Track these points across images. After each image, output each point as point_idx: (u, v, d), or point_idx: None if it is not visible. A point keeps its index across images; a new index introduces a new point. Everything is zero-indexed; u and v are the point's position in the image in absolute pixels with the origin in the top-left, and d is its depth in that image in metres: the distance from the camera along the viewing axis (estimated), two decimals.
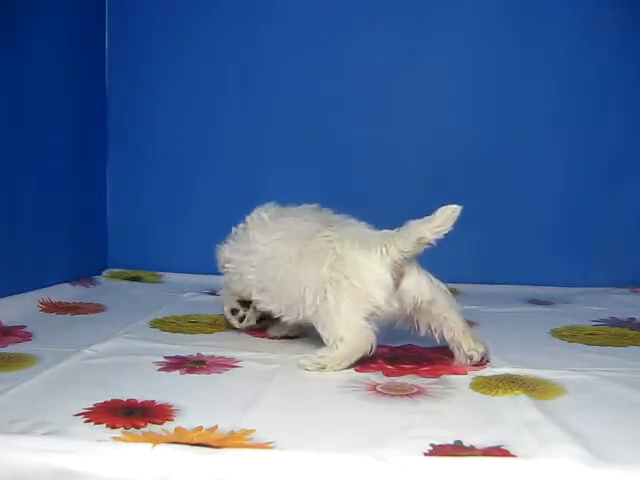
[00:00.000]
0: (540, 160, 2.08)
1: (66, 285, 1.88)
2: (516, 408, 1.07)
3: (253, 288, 1.43)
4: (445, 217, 1.25)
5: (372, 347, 1.27)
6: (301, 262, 1.33)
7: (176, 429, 0.97)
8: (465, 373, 1.25)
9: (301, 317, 1.34)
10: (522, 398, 1.11)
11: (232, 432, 0.96)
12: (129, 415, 1.03)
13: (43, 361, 1.28)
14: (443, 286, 1.33)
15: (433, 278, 1.32)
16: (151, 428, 0.98)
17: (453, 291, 1.96)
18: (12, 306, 1.61)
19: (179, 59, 2.15)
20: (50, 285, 1.81)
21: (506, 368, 1.26)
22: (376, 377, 1.23)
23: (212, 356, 1.34)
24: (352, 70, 2.10)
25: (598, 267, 2.07)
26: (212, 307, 1.68)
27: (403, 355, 1.36)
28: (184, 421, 1.00)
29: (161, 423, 1.00)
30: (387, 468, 0.85)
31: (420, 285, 1.29)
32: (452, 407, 1.09)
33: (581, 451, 0.89)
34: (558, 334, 1.54)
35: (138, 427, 0.98)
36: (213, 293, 1.62)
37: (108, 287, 2.00)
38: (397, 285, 1.27)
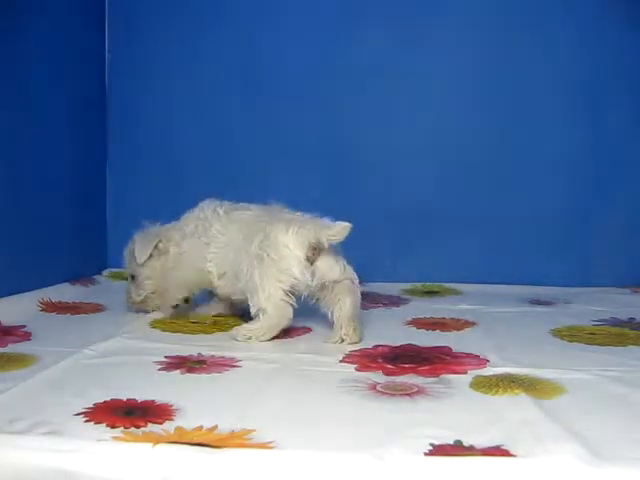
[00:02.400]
0: (540, 161, 2.08)
1: (66, 285, 1.88)
2: (516, 407, 1.07)
3: (212, 275, 1.59)
4: (339, 230, 1.43)
5: (289, 321, 1.45)
6: (242, 243, 1.52)
7: (176, 429, 0.97)
8: (465, 372, 1.24)
9: (242, 294, 1.51)
10: (522, 397, 1.11)
11: (232, 432, 0.96)
12: (129, 415, 1.03)
13: (43, 361, 1.28)
14: (352, 275, 1.49)
15: (347, 266, 1.48)
16: (151, 428, 0.98)
17: (454, 291, 1.99)
18: (12, 306, 1.61)
19: (180, 59, 2.16)
20: (50, 285, 1.81)
21: (506, 367, 1.26)
22: (376, 376, 1.22)
23: (212, 356, 1.34)
24: (355, 70, 2.11)
25: (598, 267, 2.08)
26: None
27: (403, 354, 1.36)
28: (184, 421, 1.00)
29: (161, 423, 1.00)
30: (387, 467, 0.85)
31: (332, 266, 1.46)
32: (452, 407, 1.09)
33: (581, 450, 0.88)
34: (558, 334, 1.54)
35: (138, 427, 0.98)
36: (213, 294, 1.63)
37: (108, 287, 2.01)
38: (312, 262, 1.44)
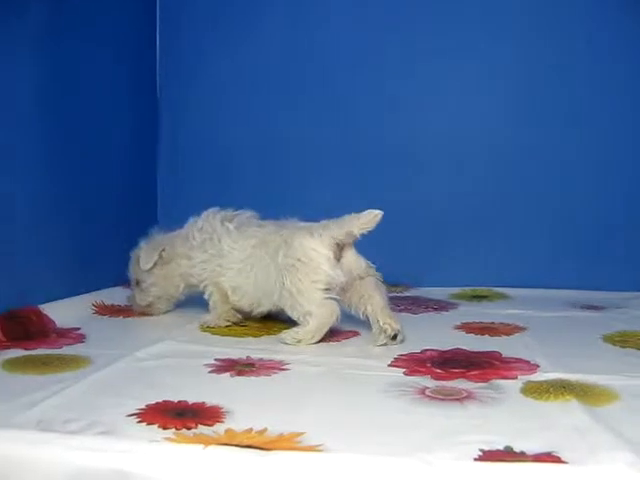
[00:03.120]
0: (591, 162, 2.05)
1: (119, 288, 1.90)
2: (567, 414, 1.06)
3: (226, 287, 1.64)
4: (370, 218, 1.47)
5: (338, 317, 1.47)
6: (267, 260, 1.55)
7: (226, 431, 0.98)
8: (515, 378, 1.23)
9: (273, 306, 1.57)
10: (573, 404, 1.10)
11: (281, 434, 0.96)
12: (180, 416, 1.04)
13: (96, 362, 1.31)
14: (376, 272, 1.53)
15: (370, 264, 1.53)
16: (202, 429, 0.99)
17: (503, 295, 1.97)
18: (67, 308, 1.64)
19: (227, 62, 2.17)
20: (103, 288, 1.84)
21: (557, 373, 1.25)
22: (425, 381, 1.22)
23: (261, 359, 1.35)
24: (392, 74, 2.11)
25: None
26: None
27: (452, 359, 1.35)
28: (234, 423, 1.01)
29: (211, 425, 1.01)
30: (436, 472, 0.85)
31: (357, 260, 1.51)
32: (502, 412, 1.08)
33: (633, 458, 0.87)
34: (610, 339, 1.51)
35: (189, 428, 0.99)
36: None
37: None
38: (338, 260, 1.49)
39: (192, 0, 2.20)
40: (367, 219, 1.47)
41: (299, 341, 1.46)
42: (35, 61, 1.63)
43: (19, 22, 1.56)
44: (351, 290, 1.51)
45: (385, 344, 1.46)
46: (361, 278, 1.51)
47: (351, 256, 1.51)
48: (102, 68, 1.88)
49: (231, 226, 1.65)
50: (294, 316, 1.49)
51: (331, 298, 1.47)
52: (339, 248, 1.49)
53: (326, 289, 1.46)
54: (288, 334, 1.47)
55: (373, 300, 1.49)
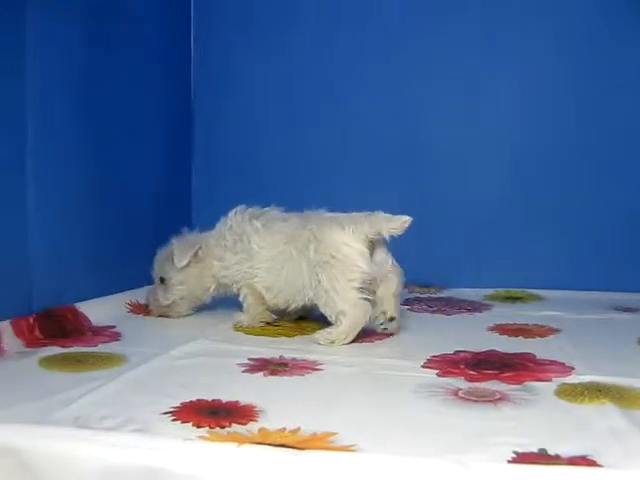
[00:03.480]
0: (627, 162, 2.02)
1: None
2: (603, 417, 1.05)
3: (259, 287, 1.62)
4: (399, 224, 1.48)
5: (370, 318, 1.48)
6: (297, 255, 1.54)
7: (259, 430, 0.99)
8: (550, 380, 1.22)
9: (307, 300, 1.55)
10: (609, 407, 1.09)
11: (314, 434, 0.97)
12: (214, 415, 1.05)
13: (131, 360, 1.32)
14: (400, 271, 1.54)
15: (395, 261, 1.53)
16: (235, 428, 1.00)
17: (537, 297, 1.96)
18: (102, 307, 1.66)
19: (260, 66, 2.18)
20: (138, 287, 1.85)
21: (592, 376, 1.23)
22: (458, 382, 1.22)
23: (294, 359, 1.35)
24: (431, 73, 2.10)
25: None
26: None
27: (485, 360, 1.34)
28: (267, 422, 1.02)
29: (245, 424, 1.01)
30: (469, 474, 0.84)
31: (386, 259, 1.51)
32: (536, 414, 1.07)
33: None
34: None
35: (223, 427, 1.00)
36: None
37: None
38: (371, 256, 1.49)
39: (225, 8, 2.21)
40: (397, 224, 1.48)
41: (332, 342, 1.46)
42: (78, 69, 1.66)
43: (67, 29, 1.59)
44: (374, 284, 1.50)
45: (384, 328, 1.51)
46: (386, 277, 1.51)
47: (382, 255, 1.51)
48: (140, 72, 1.90)
49: (259, 224, 1.64)
50: (327, 313, 1.49)
51: (364, 298, 1.46)
52: (370, 244, 1.49)
53: (360, 288, 1.46)
54: (321, 335, 1.47)
55: (389, 284, 1.50)
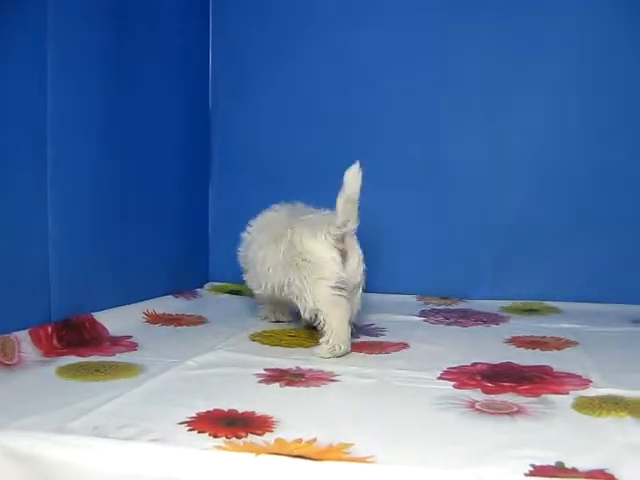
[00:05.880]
0: None
1: (170, 297, 1.93)
2: (621, 430, 1.04)
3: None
4: (351, 176, 1.47)
5: (350, 312, 1.48)
6: (269, 246, 1.59)
7: (276, 440, 0.99)
8: (567, 393, 1.22)
9: (278, 294, 1.58)
10: (627, 420, 1.08)
11: (331, 445, 0.97)
12: (230, 425, 1.05)
13: (148, 370, 1.33)
14: (362, 284, 1.53)
15: (363, 275, 1.53)
16: (252, 439, 1.00)
17: (554, 309, 1.95)
18: (119, 317, 1.67)
19: (281, 75, 2.18)
20: (154, 297, 1.86)
21: (610, 389, 1.23)
22: (475, 394, 1.21)
23: (311, 369, 1.35)
24: (456, 86, 2.09)
25: None
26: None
27: (502, 373, 1.34)
28: (284, 433, 1.02)
29: (261, 434, 1.02)
30: None
31: (358, 270, 1.51)
32: (553, 427, 1.07)
33: None
34: None
35: (239, 437, 1.00)
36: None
37: (209, 300, 2.05)
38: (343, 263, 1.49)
39: (244, 17, 2.21)
40: (349, 179, 1.47)
41: (332, 352, 1.45)
42: (98, 78, 1.66)
43: (87, 38, 1.61)
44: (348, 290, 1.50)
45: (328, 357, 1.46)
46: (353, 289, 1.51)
47: (354, 264, 1.51)
48: (159, 84, 1.91)
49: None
50: (300, 309, 1.52)
51: (340, 295, 1.47)
52: (342, 250, 1.49)
53: (335, 287, 1.47)
54: (321, 348, 1.46)
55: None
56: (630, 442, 0.99)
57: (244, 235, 1.74)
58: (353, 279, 1.50)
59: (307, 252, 1.49)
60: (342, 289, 1.48)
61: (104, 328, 1.60)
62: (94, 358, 1.41)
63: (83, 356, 1.42)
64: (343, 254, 1.49)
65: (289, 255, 1.52)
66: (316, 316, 1.49)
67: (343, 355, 1.45)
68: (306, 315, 1.51)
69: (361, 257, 1.53)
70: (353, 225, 1.49)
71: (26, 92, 1.45)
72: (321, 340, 1.47)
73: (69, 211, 1.56)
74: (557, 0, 2.03)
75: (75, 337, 1.52)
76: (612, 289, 2.00)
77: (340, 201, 1.48)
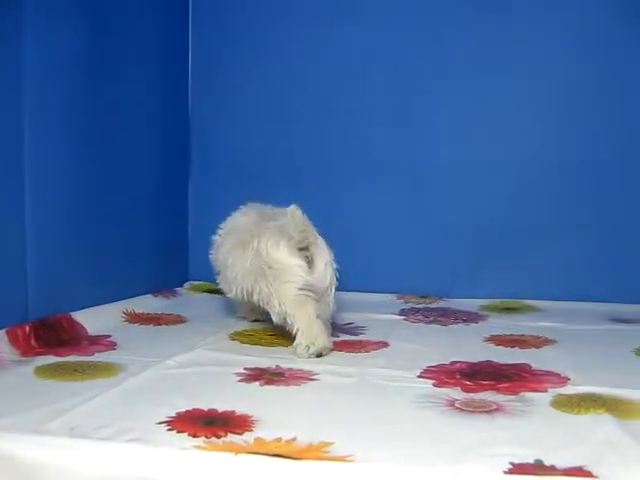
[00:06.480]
0: (623, 174, 2.03)
1: (149, 296, 1.92)
2: (599, 427, 1.05)
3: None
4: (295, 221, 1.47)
5: (316, 308, 1.48)
6: (237, 252, 1.60)
7: (255, 439, 0.99)
8: (545, 391, 1.23)
9: (248, 299, 1.59)
10: (605, 418, 1.09)
11: (310, 444, 0.97)
12: (210, 424, 1.05)
13: (127, 370, 1.32)
14: (332, 287, 1.54)
15: (332, 276, 1.54)
16: (231, 438, 0.99)
17: (533, 308, 1.96)
18: (98, 316, 1.66)
19: (259, 72, 2.17)
20: (134, 296, 1.85)
21: (588, 387, 1.23)
22: (454, 393, 1.22)
23: (290, 368, 1.35)
24: (431, 85, 2.10)
25: None
26: None
27: (481, 371, 1.34)
28: (263, 432, 1.02)
29: (241, 433, 1.01)
30: None
31: (325, 276, 1.51)
32: (532, 425, 1.07)
33: None
34: None
35: (219, 437, 1.00)
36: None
37: (189, 299, 2.05)
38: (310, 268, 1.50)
39: (223, 15, 2.20)
40: (293, 224, 1.48)
41: (309, 350, 1.44)
42: (75, 77, 1.65)
43: (65, 35, 1.59)
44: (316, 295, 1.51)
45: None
46: (318, 300, 1.51)
47: (321, 268, 1.52)
48: (137, 82, 1.90)
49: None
50: (275, 320, 1.52)
51: (307, 296, 1.48)
52: (306, 256, 1.50)
53: (301, 289, 1.48)
54: (297, 351, 1.45)
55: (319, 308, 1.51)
56: (608, 439, 1.00)
57: (215, 237, 1.74)
58: (321, 283, 1.51)
59: (273, 261, 1.50)
60: (309, 291, 1.48)
61: (83, 327, 1.59)
62: (72, 358, 1.40)
63: (61, 356, 1.40)
64: (309, 260, 1.50)
65: (256, 263, 1.53)
66: (285, 320, 1.49)
67: (323, 351, 1.45)
68: (275, 319, 1.51)
69: (329, 259, 1.53)
70: (313, 240, 1.51)
71: (1, 91, 1.43)
72: (295, 343, 1.47)
73: (46, 210, 1.55)
74: None
75: (53, 337, 1.50)
76: (590, 287, 2.01)
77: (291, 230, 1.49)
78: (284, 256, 1.49)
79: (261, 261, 1.52)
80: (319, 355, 1.44)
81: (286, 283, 1.48)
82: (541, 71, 2.04)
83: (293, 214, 1.47)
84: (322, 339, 1.46)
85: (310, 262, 1.50)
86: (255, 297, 1.55)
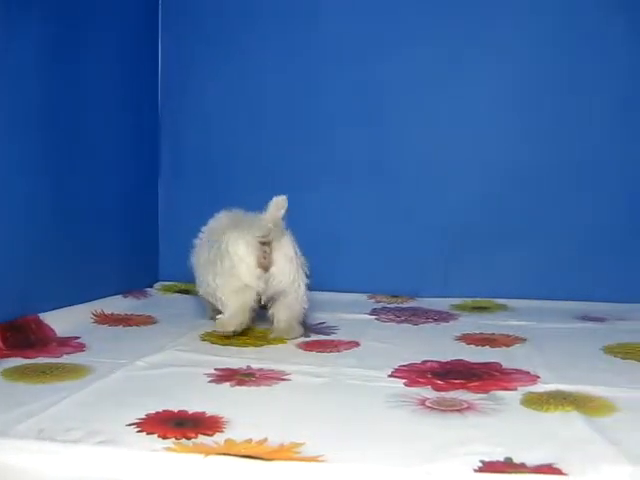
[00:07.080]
0: (593, 174, 2.05)
1: (118, 297, 1.91)
2: (568, 425, 1.06)
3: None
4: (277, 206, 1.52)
5: (251, 302, 1.54)
6: (203, 254, 1.65)
7: (226, 441, 0.98)
8: (515, 389, 1.23)
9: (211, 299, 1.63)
10: (574, 415, 1.10)
11: (282, 445, 0.96)
12: (180, 426, 1.04)
13: (96, 371, 1.30)
14: (300, 288, 1.57)
15: (299, 275, 1.57)
16: (202, 439, 0.99)
17: (503, 307, 1.97)
18: (66, 317, 1.64)
19: (229, 74, 2.17)
20: (103, 297, 1.84)
21: (557, 384, 1.24)
22: (425, 392, 1.22)
23: (261, 369, 1.35)
24: (399, 84, 2.10)
25: None
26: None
27: (452, 370, 1.35)
28: (234, 433, 1.01)
29: (211, 434, 1.01)
30: None
31: (285, 275, 1.54)
32: (502, 423, 1.08)
33: (633, 470, 0.87)
34: (611, 351, 1.51)
35: (189, 438, 0.99)
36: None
37: (159, 300, 2.03)
38: (267, 268, 1.53)
39: (194, 15, 2.19)
40: (275, 208, 1.52)
41: (223, 326, 1.54)
42: (40, 77, 1.63)
43: (26, 31, 1.56)
44: (272, 301, 1.58)
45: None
46: (285, 296, 1.56)
47: (279, 268, 1.54)
48: (106, 81, 1.88)
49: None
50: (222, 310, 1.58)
51: (246, 291, 1.53)
52: (266, 255, 1.53)
53: (246, 285, 1.52)
54: (215, 326, 1.57)
55: (277, 321, 1.59)
56: (577, 437, 1.01)
57: (195, 241, 1.75)
58: (282, 277, 1.54)
59: (228, 254, 1.54)
60: (253, 290, 1.53)
61: (51, 329, 1.57)
62: (40, 360, 1.38)
63: (29, 358, 1.38)
64: (267, 253, 1.53)
65: (213, 255, 1.58)
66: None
67: (230, 333, 1.54)
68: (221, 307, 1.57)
69: (293, 254, 1.56)
70: (278, 235, 1.54)
71: None
72: (218, 316, 1.56)
73: (13, 210, 1.53)
74: None
75: (21, 339, 1.48)
76: (560, 286, 2.03)
77: (264, 218, 1.53)
78: (239, 251, 1.53)
79: (218, 253, 1.56)
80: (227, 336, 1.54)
81: (232, 277, 1.52)
82: (515, 71, 2.06)
83: (277, 203, 1.51)
84: (231, 328, 1.53)
85: (268, 256, 1.53)
86: (210, 291, 1.61)
